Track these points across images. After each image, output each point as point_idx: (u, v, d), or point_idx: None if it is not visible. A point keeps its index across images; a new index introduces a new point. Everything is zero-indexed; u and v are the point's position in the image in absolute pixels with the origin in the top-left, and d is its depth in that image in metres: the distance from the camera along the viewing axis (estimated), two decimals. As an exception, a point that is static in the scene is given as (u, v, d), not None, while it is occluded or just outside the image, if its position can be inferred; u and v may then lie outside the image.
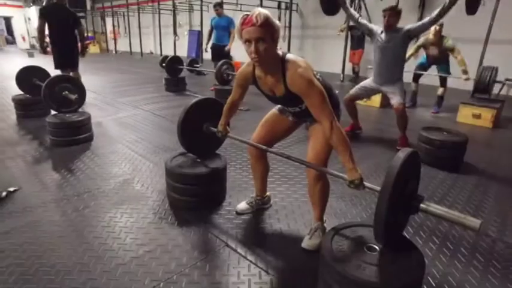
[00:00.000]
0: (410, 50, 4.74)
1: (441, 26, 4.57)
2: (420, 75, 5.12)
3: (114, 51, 16.99)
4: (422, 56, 5.06)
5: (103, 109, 4.83)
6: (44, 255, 1.66)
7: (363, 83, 3.60)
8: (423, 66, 5.03)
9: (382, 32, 3.23)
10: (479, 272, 1.63)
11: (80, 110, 3.61)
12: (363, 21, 3.38)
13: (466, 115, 4.48)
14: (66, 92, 3.40)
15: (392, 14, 3.12)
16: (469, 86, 6.01)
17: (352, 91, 3.65)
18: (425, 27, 3.09)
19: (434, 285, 1.53)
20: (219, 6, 5.77)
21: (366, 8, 7.77)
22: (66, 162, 2.85)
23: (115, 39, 17.17)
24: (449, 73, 4.85)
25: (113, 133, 3.70)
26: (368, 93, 3.63)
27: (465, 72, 4.51)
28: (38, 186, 2.41)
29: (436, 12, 2.91)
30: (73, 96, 3.38)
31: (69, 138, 3.22)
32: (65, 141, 3.21)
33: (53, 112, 3.51)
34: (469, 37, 6.05)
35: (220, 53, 5.90)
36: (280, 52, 1.51)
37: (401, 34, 3.12)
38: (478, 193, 2.47)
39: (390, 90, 3.35)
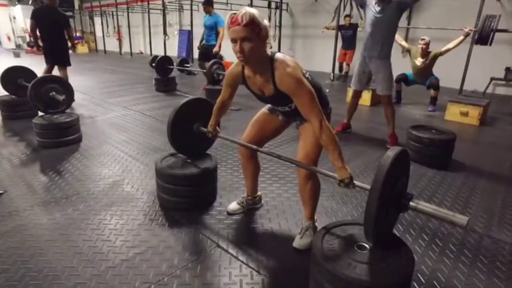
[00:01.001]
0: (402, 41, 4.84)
1: (427, 44, 4.78)
2: (404, 79, 5.23)
3: (120, 52, 15.92)
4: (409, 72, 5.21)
5: (92, 110, 4.76)
6: (30, 260, 1.63)
7: (354, 73, 3.58)
8: (407, 79, 5.20)
9: (375, 3, 3.19)
10: (467, 267, 1.66)
11: (68, 110, 3.55)
12: None
13: (454, 113, 4.55)
14: (54, 92, 3.34)
15: None
16: (457, 83, 6.13)
17: (352, 86, 3.65)
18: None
19: (423, 281, 1.55)
20: (205, 4, 5.55)
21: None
22: (54, 164, 2.80)
23: (120, 40, 16.19)
24: (436, 78, 4.98)
25: (102, 134, 3.65)
26: (363, 80, 3.54)
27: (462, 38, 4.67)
28: (25, 189, 2.36)
29: None
30: (61, 97, 3.32)
31: (57, 139, 3.16)
32: (52, 143, 3.15)
33: (40, 113, 3.44)
34: (456, 37, 6.13)
35: (206, 52, 5.74)
36: (269, 52, 1.50)
37: (394, 5, 3.11)
38: (465, 190, 2.51)
39: (377, 72, 3.32)
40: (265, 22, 1.43)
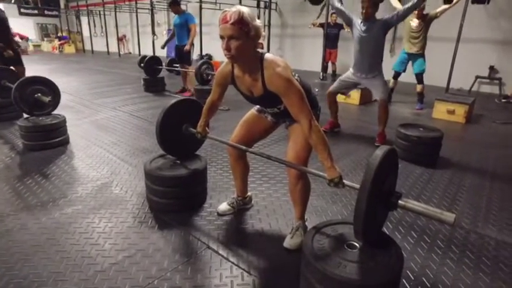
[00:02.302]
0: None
1: (422, 8, 4.60)
2: (399, 74, 5.23)
3: (121, 53, 15.14)
4: (401, 51, 5.15)
5: (79, 111, 4.68)
6: (15, 266, 1.59)
7: (342, 77, 3.63)
8: (402, 62, 5.11)
9: (361, 22, 3.24)
10: (455, 263, 1.69)
11: (55, 112, 3.47)
12: (344, 9, 3.35)
13: (441, 111, 4.63)
14: (39, 94, 3.26)
15: (370, 4, 3.11)
16: (443, 82, 6.24)
17: (333, 86, 3.68)
18: (400, 19, 3.17)
19: (413, 278, 1.57)
20: (172, 4, 5.33)
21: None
22: (40, 167, 2.74)
23: (121, 41, 15.68)
24: (423, 70, 4.96)
25: (90, 136, 3.59)
26: (348, 86, 3.61)
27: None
28: (9, 193, 2.30)
29: (409, 5, 3.04)
30: (46, 99, 3.25)
31: (43, 142, 3.10)
32: (38, 145, 3.09)
33: (25, 115, 3.37)
34: (442, 36, 6.26)
35: (180, 53, 5.57)
36: (259, 51, 1.51)
37: (379, 25, 3.16)
38: (452, 187, 2.56)
39: (371, 84, 3.40)
40: (257, 22, 1.43)
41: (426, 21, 4.71)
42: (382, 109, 3.41)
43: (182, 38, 5.52)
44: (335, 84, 3.68)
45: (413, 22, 4.78)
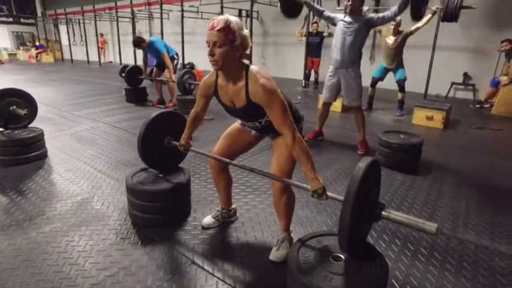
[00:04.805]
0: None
1: (398, 24, 4.87)
2: (377, 81, 5.43)
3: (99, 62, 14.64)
4: (380, 64, 5.37)
5: (58, 123, 4.54)
6: (-13, 291, 1.51)
7: (325, 85, 3.66)
8: (380, 74, 5.37)
9: (345, 16, 3.33)
10: (437, 269, 1.72)
11: (32, 125, 3.36)
12: (327, 14, 3.50)
13: (420, 117, 4.76)
14: (14, 106, 3.15)
15: None
16: (422, 88, 6.43)
17: (323, 97, 3.71)
18: (385, 21, 3.27)
19: (398, 286, 1.59)
20: (136, 44, 5.18)
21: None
22: (15, 183, 2.63)
23: (102, 49, 15.27)
24: (405, 78, 5.17)
25: (70, 149, 3.48)
26: (334, 89, 3.60)
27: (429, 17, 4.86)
28: (-18, 212, 2.19)
29: (395, 8, 3.12)
30: (22, 112, 3.14)
31: (19, 156, 2.98)
32: (14, 160, 2.97)
33: (-1, 129, 3.24)
34: (419, 44, 6.45)
35: (162, 63, 5.44)
36: (245, 62, 1.52)
37: (364, 20, 3.26)
38: (433, 193, 2.62)
39: (347, 82, 3.42)
40: (244, 32, 1.45)
41: (401, 37, 4.96)
42: (357, 113, 3.51)
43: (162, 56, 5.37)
44: (323, 95, 3.68)
45: (389, 39, 5.04)
